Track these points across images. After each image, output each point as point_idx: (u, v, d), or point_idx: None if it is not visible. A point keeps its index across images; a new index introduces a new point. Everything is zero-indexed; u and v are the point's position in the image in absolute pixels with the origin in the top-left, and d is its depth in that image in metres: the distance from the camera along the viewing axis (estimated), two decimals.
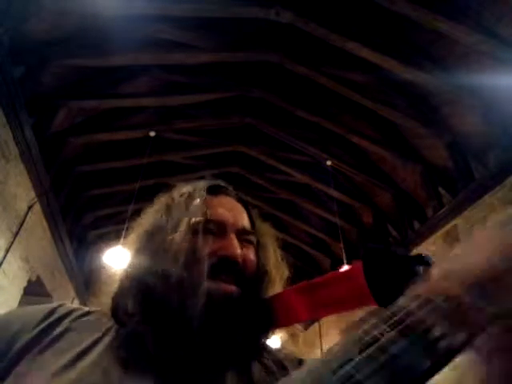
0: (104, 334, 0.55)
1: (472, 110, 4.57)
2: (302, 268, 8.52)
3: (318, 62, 4.99)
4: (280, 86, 5.67)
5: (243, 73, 5.53)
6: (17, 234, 4.25)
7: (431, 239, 5.31)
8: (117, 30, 4.09)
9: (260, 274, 0.62)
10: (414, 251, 5.64)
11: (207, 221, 0.60)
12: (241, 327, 0.55)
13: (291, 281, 0.67)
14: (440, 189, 5.37)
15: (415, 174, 5.63)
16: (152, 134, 5.71)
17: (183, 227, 0.59)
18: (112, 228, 6.97)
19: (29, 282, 4.77)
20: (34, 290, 4.94)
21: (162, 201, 0.68)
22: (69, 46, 4.22)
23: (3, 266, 4.03)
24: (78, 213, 6.47)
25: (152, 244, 0.60)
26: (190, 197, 0.64)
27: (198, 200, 0.63)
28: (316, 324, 8.27)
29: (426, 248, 5.39)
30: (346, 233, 6.74)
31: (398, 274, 0.47)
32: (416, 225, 5.80)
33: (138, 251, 0.62)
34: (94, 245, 7.25)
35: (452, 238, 4.94)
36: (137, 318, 0.54)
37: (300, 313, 0.58)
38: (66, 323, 0.55)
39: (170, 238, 0.59)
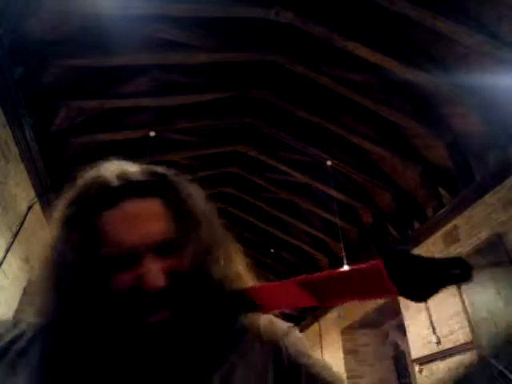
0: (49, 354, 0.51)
1: (472, 109, 4.57)
2: (302, 268, 8.52)
3: (317, 62, 4.99)
4: (280, 86, 5.67)
5: (243, 73, 5.53)
6: (17, 234, 4.24)
7: (431, 239, 5.31)
8: (117, 30, 4.08)
9: (199, 273, 0.53)
10: (415, 251, 5.64)
11: (107, 259, 0.50)
12: (194, 343, 0.51)
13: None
14: (440, 189, 5.37)
15: (415, 174, 5.63)
16: (152, 134, 5.71)
17: (80, 265, 0.51)
18: None
19: (29, 282, 4.77)
20: (34, 290, 4.94)
21: (60, 207, 0.60)
22: (69, 46, 4.22)
23: (3, 266, 4.03)
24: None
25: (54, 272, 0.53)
26: (80, 216, 0.54)
27: (90, 230, 0.52)
28: (316, 324, 8.28)
29: (426, 248, 5.39)
30: (345, 233, 6.74)
31: (426, 271, 0.46)
32: (416, 225, 5.80)
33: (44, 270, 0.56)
34: None
35: (452, 238, 4.94)
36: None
37: (297, 300, 0.57)
38: (21, 343, 0.53)
39: (72, 275, 0.51)
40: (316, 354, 0.59)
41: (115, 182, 0.55)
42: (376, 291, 0.51)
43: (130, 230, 0.51)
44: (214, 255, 0.56)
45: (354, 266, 0.53)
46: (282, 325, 0.61)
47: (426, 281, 0.46)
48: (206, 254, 0.55)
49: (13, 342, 0.54)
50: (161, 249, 0.51)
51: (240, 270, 0.60)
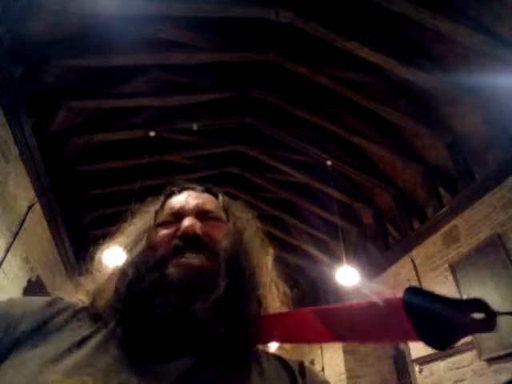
0: (100, 328, 0.56)
1: (472, 110, 4.57)
2: (302, 268, 8.52)
3: (317, 62, 4.99)
4: (280, 86, 5.67)
5: (243, 73, 5.53)
6: (17, 234, 4.24)
7: (431, 239, 5.31)
8: (117, 29, 4.08)
9: (235, 247, 0.61)
10: (415, 251, 5.64)
11: (164, 216, 0.64)
12: (222, 301, 0.55)
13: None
14: (440, 189, 5.37)
15: (415, 173, 5.63)
16: (152, 134, 5.71)
17: (146, 229, 0.64)
18: (112, 228, 6.97)
19: (29, 281, 4.77)
20: (33, 290, 4.94)
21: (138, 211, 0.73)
22: (69, 46, 4.22)
23: (3, 265, 4.03)
24: (78, 213, 6.48)
25: (128, 248, 0.65)
26: (153, 203, 0.70)
27: (157, 204, 0.68)
28: None
29: (426, 248, 5.39)
30: (345, 233, 6.74)
31: (446, 315, 0.43)
32: (416, 225, 5.80)
33: (123, 254, 0.66)
34: (94, 245, 7.24)
35: (452, 238, 4.94)
36: (118, 314, 0.57)
37: (317, 334, 0.56)
38: (65, 315, 0.57)
39: (140, 241, 0.63)
40: None
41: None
42: (394, 332, 0.48)
43: (182, 201, 0.66)
44: (247, 249, 0.64)
45: (372, 300, 0.51)
46: (318, 373, 0.63)
47: (449, 328, 0.43)
48: (240, 244, 0.63)
49: (60, 311, 0.58)
50: (202, 214, 0.63)
51: (269, 291, 0.65)
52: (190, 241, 0.58)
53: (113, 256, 0.75)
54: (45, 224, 5.18)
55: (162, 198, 0.70)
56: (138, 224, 0.69)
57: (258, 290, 0.61)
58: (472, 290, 4.39)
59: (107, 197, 6.75)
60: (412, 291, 0.47)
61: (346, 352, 7.17)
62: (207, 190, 0.71)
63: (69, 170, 5.65)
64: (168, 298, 0.53)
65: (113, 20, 3.99)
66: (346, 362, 7.08)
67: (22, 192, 4.40)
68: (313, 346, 7.96)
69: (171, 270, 0.55)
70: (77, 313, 0.58)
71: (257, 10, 4.23)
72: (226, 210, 0.69)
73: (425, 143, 5.39)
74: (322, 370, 7.31)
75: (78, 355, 0.50)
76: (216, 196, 0.71)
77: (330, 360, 7.34)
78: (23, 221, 4.39)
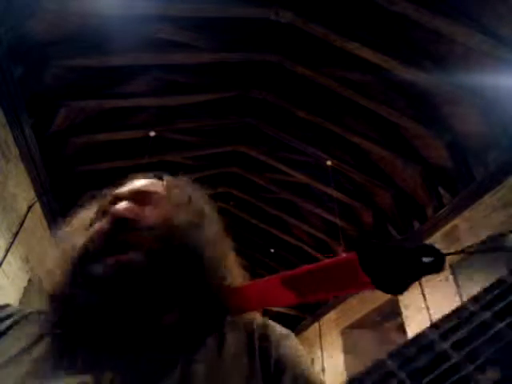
0: (48, 330, 0.54)
1: (472, 109, 4.57)
2: None
3: (318, 62, 4.99)
4: (280, 86, 5.67)
5: (243, 73, 5.53)
6: (17, 234, 4.24)
7: (431, 239, 5.31)
8: (117, 29, 4.09)
9: (172, 224, 0.59)
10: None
11: (103, 206, 0.63)
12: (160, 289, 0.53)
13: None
14: (440, 189, 5.37)
15: (415, 173, 5.63)
16: (152, 134, 5.71)
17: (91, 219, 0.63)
18: None
19: (29, 281, 4.77)
20: (33, 290, 4.93)
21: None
22: (69, 46, 4.22)
23: (3, 265, 4.03)
24: (76, 210, 6.47)
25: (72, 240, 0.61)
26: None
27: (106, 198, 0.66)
28: (316, 324, 8.27)
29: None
30: (345, 233, 6.73)
31: (399, 262, 0.46)
32: (416, 225, 5.80)
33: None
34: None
35: (452, 238, 4.94)
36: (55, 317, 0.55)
37: (280, 298, 0.57)
38: (10, 320, 0.56)
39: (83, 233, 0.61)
40: (307, 361, 0.57)
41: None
42: (352, 285, 0.52)
43: (122, 187, 0.65)
44: (196, 238, 0.60)
45: (330, 260, 0.53)
46: (278, 328, 0.60)
47: (401, 273, 0.46)
48: (189, 227, 0.60)
49: (2, 319, 0.56)
50: (136, 197, 0.62)
51: (229, 260, 0.63)
52: (120, 224, 0.56)
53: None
54: (45, 224, 5.18)
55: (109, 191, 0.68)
56: (81, 218, 0.69)
57: (211, 264, 0.59)
58: (472, 290, 4.38)
59: None
60: (365, 244, 0.49)
61: (346, 352, 7.17)
62: (153, 176, 0.70)
63: (69, 170, 5.64)
64: (92, 295, 0.51)
65: (113, 20, 3.99)
66: (346, 362, 7.08)
67: (22, 192, 4.40)
68: (312, 346, 7.96)
69: (99, 269, 0.52)
70: (21, 318, 0.57)
71: (257, 10, 4.23)
72: (170, 191, 0.66)
73: (425, 143, 5.39)
74: (322, 370, 7.31)
75: (29, 360, 0.49)
76: (160, 178, 0.69)
77: (330, 360, 7.34)
78: (23, 221, 4.39)
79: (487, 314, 0.27)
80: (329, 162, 6.19)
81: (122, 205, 0.59)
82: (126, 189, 0.64)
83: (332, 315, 7.82)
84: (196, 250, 0.58)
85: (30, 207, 4.55)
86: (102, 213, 0.62)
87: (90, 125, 5.41)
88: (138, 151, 5.81)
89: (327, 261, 0.55)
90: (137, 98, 5.33)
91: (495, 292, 0.30)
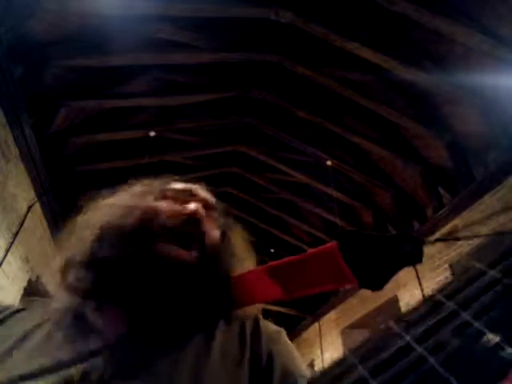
0: (39, 324, 0.54)
1: (472, 109, 4.57)
2: None
3: (317, 62, 4.99)
4: (280, 86, 5.67)
5: (243, 73, 5.53)
6: (17, 234, 4.24)
7: (431, 239, 5.31)
8: (117, 29, 4.09)
9: (224, 245, 0.62)
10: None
11: (169, 189, 0.64)
12: (194, 295, 0.54)
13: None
14: (440, 189, 5.37)
15: (415, 173, 5.63)
16: (152, 134, 5.71)
17: (146, 197, 0.62)
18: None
19: (29, 282, 4.77)
20: (34, 290, 4.93)
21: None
22: (69, 46, 4.22)
23: (3, 265, 4.02)
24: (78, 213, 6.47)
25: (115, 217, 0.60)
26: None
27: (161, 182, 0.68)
28: (316, 324, 8.27)
29: (426, 248, 5.38)
30: None
31: (380, 252, 0.46)
32: (416, 225, 5.80)
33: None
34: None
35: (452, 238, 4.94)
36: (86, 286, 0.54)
37: (268, 292, 0.57)
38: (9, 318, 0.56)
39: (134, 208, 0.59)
40: (298, 356, 0.57)
41: None
42: (334, 276, 0.51)
43: (192, 187, 0.67)
44: (234, 251, 0.64)
45: (312, 250, 0.54)
46: (269, 324, 0.61)
47: (382, 261, 0.45)
48: (228, 244, 0.64)
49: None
50: (206, 207, 0.63)
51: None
52: (192, 224, 0.58)
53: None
54: (45, 224, 5.18)
55: (158, 183, 0.69)
56: (134, 192, 0.67)
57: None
58: None
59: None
60: (345, 232, 0.49)
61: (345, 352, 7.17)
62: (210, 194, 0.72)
63: (69, 170, 5.65)
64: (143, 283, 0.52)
65: (113, 20, 3.99)
66: None
67: (22, 192, 4.40)
68: (312, 346, 7.96)
69: (154, 256, 0.53)
70: (10, 315, 0.57)
71: (257, 10, 4.23)
72: (220, 215, 0.69)
73: (425, 143, 5.39)
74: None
75: (21, 353, 0.49)
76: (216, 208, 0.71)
77: (330, 360, 7.34)
78: (23, 221, 4.39)
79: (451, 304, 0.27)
80: (329, 162, 6.19)
81: (200, 207, 0.60)
82: (199, 191, 0.66)
83: (332, 315, 7.82)
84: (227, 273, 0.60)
85: (30, 207, 4.55)
86: (166, 197, 0.62)
87: (90, 125, 5.41)
88: (138, 151, 5.81)
89: (309, 251, 0.55)
90: (137, 98, 5.34)
91: (459, 282, 0.30)
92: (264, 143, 6.57)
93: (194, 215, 0.58)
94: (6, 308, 0.58)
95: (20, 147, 4.14)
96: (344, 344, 7.32)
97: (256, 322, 0.59)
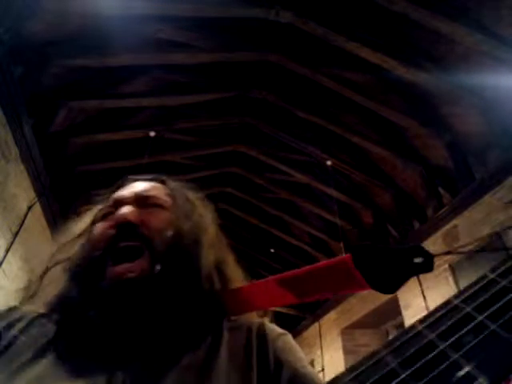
0: (57, 335, 0.54)
1: (472, 109, 4.57)
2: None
3: (318, 61, 4.98)
4: (280, 86, 5.67)
5: (243, 73, 5.53)
6: (17, 234, 4.24)
7: (431, 239, 5.31)
8: (117, 29, 4.08)
9: (177, 231, 0.59)
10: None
11: (105, 209, 0.62)
12: (169, 302, 0.53)
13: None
14: (440, 189, 5.37)
15: (415, 173, 5.63)
16: (152, 134, 5.71)
17: (88, 225, 0.63)
18: None
19: (29, 282, 4.77)
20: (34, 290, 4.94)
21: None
22: (69, 46, 4.22)
23: (3, 265, 4.03)
24: (78, 213, 6.47)
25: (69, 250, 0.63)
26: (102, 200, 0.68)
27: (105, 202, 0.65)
28: (316, 324, 8.27)
29: (426, 248, 5.38)
30: (345, 233, 6.73)
31: (392, 264, 0.49)
32: (416, 225, 5.80)
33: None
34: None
35: (452, 238, 4.94)
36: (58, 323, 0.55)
37: (277, 299, 0.59)
38: (19, 326, 0.55)
39: (79, 239, 0.62)
40: (305, 358, 0.58)
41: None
42: (348, 285, 0.53)
43: (123, 192, 0.64)
44: (198, 242, 0.60)
45: (326, 261, 0.55)
46: (275, 327, 0.61)
47: (393, 273, 0.49)
48: (190, 235, 0.60)
49: (13, 322, 0.56)
50: (140, 201, 0.61)
51: (228, 263, 0.65)
52: (124, 229, 0.55)
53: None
54: (45, 224, 5.17)
55: (109, 194, 0.68)
56: (82, 221, 0.68)
57: (212, 268, 0.60)
58: None
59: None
60: (359, 247, 0.52)
61: (346, 352, 7.17)
62: (154, 179, 0.69)
63: (69, 170, 5.64)
64: (99, 310, 0.51)
65: (113, 20, 3.99)
66: (346, 362, 7.08)
67: (22, 192, 4.40)
68: (312, 347, 7.96)
69: (104, 284, 0.52)
70: (32, 321, 0.56)
71: (257, 10, 4.23)
72: (172, 195, 0.66)
73: (425, 143, 5.39)
74: (322, 370, 7.30)
75: (37, 368, 0.48)
76: (163, 182, 0.69)
77: (330, 360, 7.34)
78: (23, 221, 4.39)
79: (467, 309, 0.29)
80: (329, 162, 6.19)
81: (126, 209, 0.58)
82: (127, 192, 0.63)
83: (332, 315, 7.82)
84: (198, 256, 0.58)
85: (30, 207, 4.54)
86: (102, 217, 0.61)
87: (90, 125, 5.41)
88: (138, 151, 5.81)
89: (323, 262, 0.56)
90: (137, 98, 5.33)
91: (476, 287, 0.32)
92: (264, 143, 6.57)
93: (122, 221, 0.56)
94: (29, 313, 0.58)
95: (20, 147, 4.14)
96: (344, 344, 7.32)
97: (262, 326, 0.59)
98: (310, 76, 5.15)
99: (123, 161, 6.10)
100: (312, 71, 5.05)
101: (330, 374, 7.14)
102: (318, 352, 7.75)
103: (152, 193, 0.63)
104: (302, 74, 5.19)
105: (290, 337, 0.61)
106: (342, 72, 5.06)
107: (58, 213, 5.38)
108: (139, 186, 0.65)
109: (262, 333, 0.57)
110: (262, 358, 0.53)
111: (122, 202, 0.60)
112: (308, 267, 0.57)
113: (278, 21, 4.30)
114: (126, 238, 0.55)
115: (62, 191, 5.54)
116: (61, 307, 0.56)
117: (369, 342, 7.47)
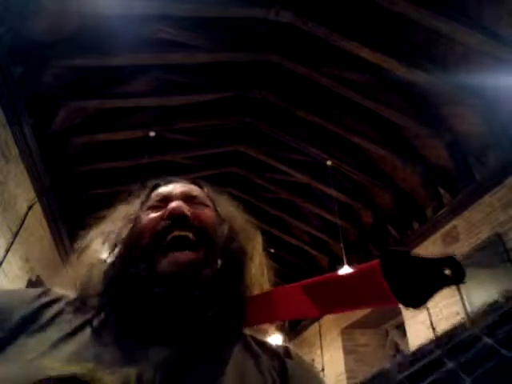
0: (93, 316, 0.56)
1: (472, 109, 4.57)
2: (302, 268, 8.52)
3: (317, 61, 4.98)
4: (280, 86, 5.67)
5: (243, 73, 5.53)
6: (17, 234, 4.24)
7: (431, 239, 5.31)
8: (117, 29, 4.08)
9: (223, 229, 0.63)
10: (415, 252, 5.64)
11: (151, 201, 0.65)
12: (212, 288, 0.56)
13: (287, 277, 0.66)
14: (440, 189, 5.37)
15: (415, 174, 5.63)
16: (152, 134, 5.71)
17: (132, 214, 0.65)
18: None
19: (29, 281, 4.77)
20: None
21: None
22: (69, 46, 4.22)
23: (3, 265, 4.03)
24: (78, 213, 6.48)
25: (112, 235, 0.65)
26: (137, 196, 0.71)
27: (143, 195, 0.69)
28: (316, 324, 8.27)
29: (425, 248, 5.39)
30: (346, 233, 6.73)
31: (422, 274, 0.46)
32: (416, 225, 5.80)
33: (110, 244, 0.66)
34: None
35: (452, 238, 4.94)
36: (108, 303, 0.57)
37: (302, 309, 0.58)
38: (57, 306, 0.56)
39: (125, 226, 0.64)
40: None
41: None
42: (374, 297, 0.51)
43: (169, 189, 0.67)
44: (245, 247, 0.65)
45: (354, 269, 0.54)
46: (307, 362, 0.63)
47: (423, 283, 0.46)
48: (229, 227, 0.65)
49: (50, 302, 0.57)
50: (188, 199, 0.63)
51: (259, 265, 0.68)
52: (177, 220, 0.58)
53: (98, 243, 0.73)
54: (45, 224, 5.18)
55: (147, 190, 0.70)
56: (123, 211, 0.70)
57: (249, 272, 0.63)
58: (472, 290, 4.38)
59: (107, 197, 6.75)
60: (388, 254, 0.50)
61: (346, 352, 7.18)
62: (192, 182, 0.72)
63: (69, 170, 5.65)
64: (164, 288, 0.53)
65: (113, 20, 3.99)
66: (346, 362, 7.08)
67: (22, 192, 4.40)
68: (312, 346, 7.96)
69: (162, 266, 0.55)
70: (69, 303, 0.58)
71: (257, 9, 4.23)
72: (211, 198, 0.70)
73: (425, 143, 5.39)
74: (322, 370, 7.30)
75: (75, 344, 0.50)
76: (201, 187, 0.72)
77: (330, 360, 7.34)
78: (23, 221, 4.39)
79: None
80: (329, 162, 6.19)
81: (178, 203, 0.60)
82: (174, 189, 0.66)
83: (332, 315, 7.82)
84: (245, 260, 0.63)
85: (30, 207, 4.55)
86: (151, 208, 0.63)
87: (90, 125, 5.41)
88: (138, 151, 5.81)
89: (351, 271, 0.55)
90: (137, 98, 5.33)
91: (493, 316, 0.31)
92: (264, 143, 6.57)
93: (176, 212, 0.58)
94: (63, 296, 0.59)
95: (20, 147, 4.14)
96: (344, 344, 7.32)
97: (288, 351, 0.60)
98: (309, 76, 5.15)
99: (123, 161, 6.11)
100: (312, 71, 5.05)
101: (330, 374, 7.14)
102: (318, 352, 7.75)
103: (196, 193, 0.67)
104: (301, 74, 5.19)
105: (320, 377, 0.63)
106: (341, 72, 5.06)
107: (57, 213, 5.38)
108: (184, 185, 0.68)
109: (290, 357, 0.59)
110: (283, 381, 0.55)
111: (171, 197, 0.63)
112: (335, 274, 0.56)
113: (277, 21, 4.30)
114: (180, 228, 0.58)
115: (62, 191, 5.54)
116: (116, 283, 0.57)
117: (369, 342, 7.47)
